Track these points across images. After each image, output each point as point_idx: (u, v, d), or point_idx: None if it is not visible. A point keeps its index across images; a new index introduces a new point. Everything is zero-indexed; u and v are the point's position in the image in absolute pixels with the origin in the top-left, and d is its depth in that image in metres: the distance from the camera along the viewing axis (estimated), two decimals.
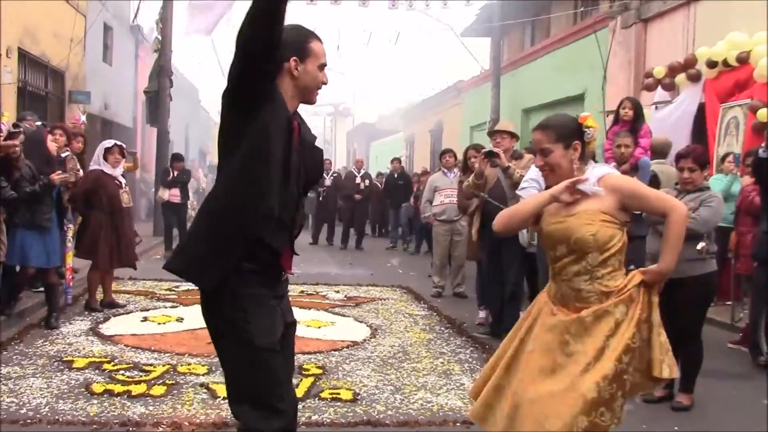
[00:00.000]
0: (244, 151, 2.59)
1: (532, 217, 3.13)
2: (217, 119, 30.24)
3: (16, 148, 3.63)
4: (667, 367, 3.04)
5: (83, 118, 8.34)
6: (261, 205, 2.60)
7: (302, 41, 2.73)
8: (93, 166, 7.39)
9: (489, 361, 3.34)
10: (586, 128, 3.17)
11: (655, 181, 6.15)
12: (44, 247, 6.46)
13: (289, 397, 2.76)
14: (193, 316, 7.34)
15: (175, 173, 12.83)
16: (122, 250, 7.41)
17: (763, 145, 5.77)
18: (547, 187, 3.20)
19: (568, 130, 3.15)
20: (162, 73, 15.53)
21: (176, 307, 7.93)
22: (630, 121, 7.04)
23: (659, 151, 7.12)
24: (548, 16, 17.21)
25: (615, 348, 2.94)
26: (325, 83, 2.81)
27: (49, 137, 6.42)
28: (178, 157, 13.40)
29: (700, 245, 4.68)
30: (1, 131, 5.33)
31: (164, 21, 15.80)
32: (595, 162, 3.29)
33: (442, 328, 7.20)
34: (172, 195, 12.69)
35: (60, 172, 6.47)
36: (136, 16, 18.89)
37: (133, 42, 19.75)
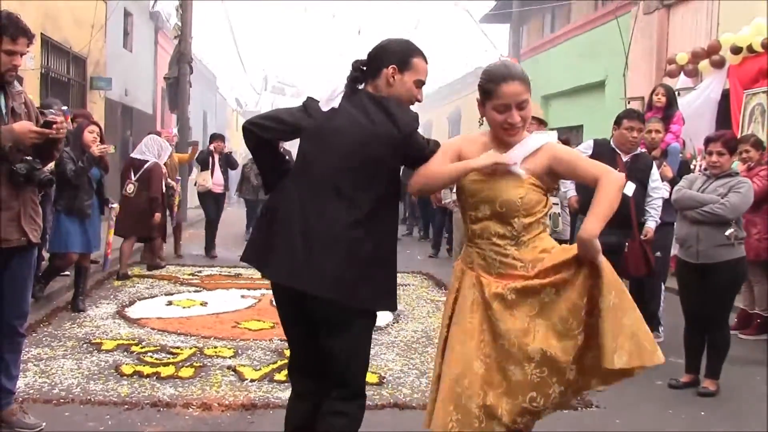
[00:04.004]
0: None
1: (450, 184, 2.96)
2: (235, 106, 30.09)
3: (62, 130, 3.63)
4: (625, 354, 2.65)
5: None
6: None
7: (407, 54, 2.92)
8: (153, 159, 8.62)
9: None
10: None
11: (685, 168, 6.14)
12: (84, 232, 6.51)
13: None
14: (217, 301, 7.43)
15: (217, 157, 10.97)
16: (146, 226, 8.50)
17: None
18: (500, 144, 2.89)
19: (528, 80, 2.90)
20: (182, 59, 15.58)
21: (200, 291, 8.00)
22: (663, 108, 7.04)
23: None
24: (569, 2, 17.08)
25: (543, 331, 2.74)
26: (419, 101, 2.97)
27: (86, 130, 6.49)
28: (218, 137, 11.45)
29: (729, 231, 4.68)
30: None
31: (184, 7, 15.83)
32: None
33: None
34: (216, 184, 10.84)
35: (99, 144, 6.48)
36: (155, 3, 18.93)
37: (153, 28, 19.79)
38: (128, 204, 8.47)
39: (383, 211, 2.88)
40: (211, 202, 10.90)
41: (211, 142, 11.35)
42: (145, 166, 8.56)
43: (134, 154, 8.87)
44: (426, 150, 2.94)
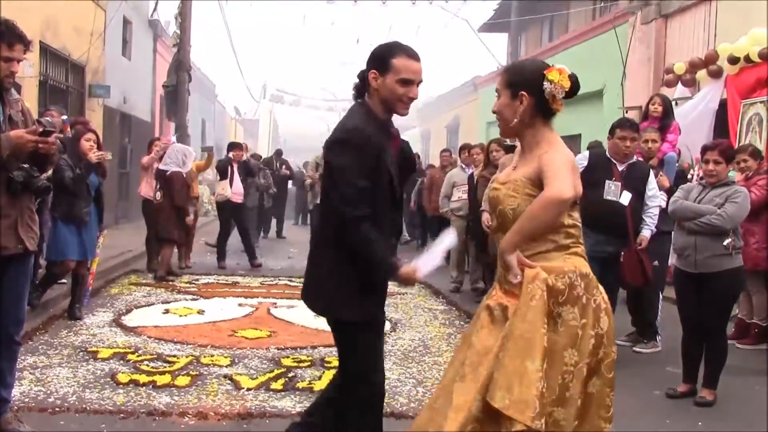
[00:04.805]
0: None
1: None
2: (233, 114, 30.10)
3: (53, 146, 3.63)
4: (507, 398, 2.48)
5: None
6: None
7: (385, 56, 2.90)
8: (174, 168, 9.11)
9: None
10: (548, 81, 2.66)
11: (681, 178, 6.14)
12: (81, 240, 6.48)
13: None
14: (214, 309, 7.42)
15: (235, 165, 10.72)
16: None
17: None
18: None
19: (521, 77, 2.75)
20: (180, 67, 15.57)
21: (197, 299, 7.98)
22: (659, 118, 7.05)
23: None
24: (567, 12, 17.14)
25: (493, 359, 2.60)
26: (412, 98, 2.94)
27: (83, 139, 6.45)
28: (236, 146, 11.32)
29: (727, 241, 4.69)
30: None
31: (183, 16, 15.84)
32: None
33: (462, 323, 7.20)
34: (235, 193, 10.55)
35: (96, 151, 6.43)
36: (154, 11, 18.95)
37: (151, 36, 19.81)
38: (153, 210, 9.26)
39: (334, 221, 2.98)
40: (229, 212, 10.67)
41: (229, 151, 11.14)
42: (165, 174, 9.12)
43: (161, 166, 9.27)
44: (333, 169, 2.91)
